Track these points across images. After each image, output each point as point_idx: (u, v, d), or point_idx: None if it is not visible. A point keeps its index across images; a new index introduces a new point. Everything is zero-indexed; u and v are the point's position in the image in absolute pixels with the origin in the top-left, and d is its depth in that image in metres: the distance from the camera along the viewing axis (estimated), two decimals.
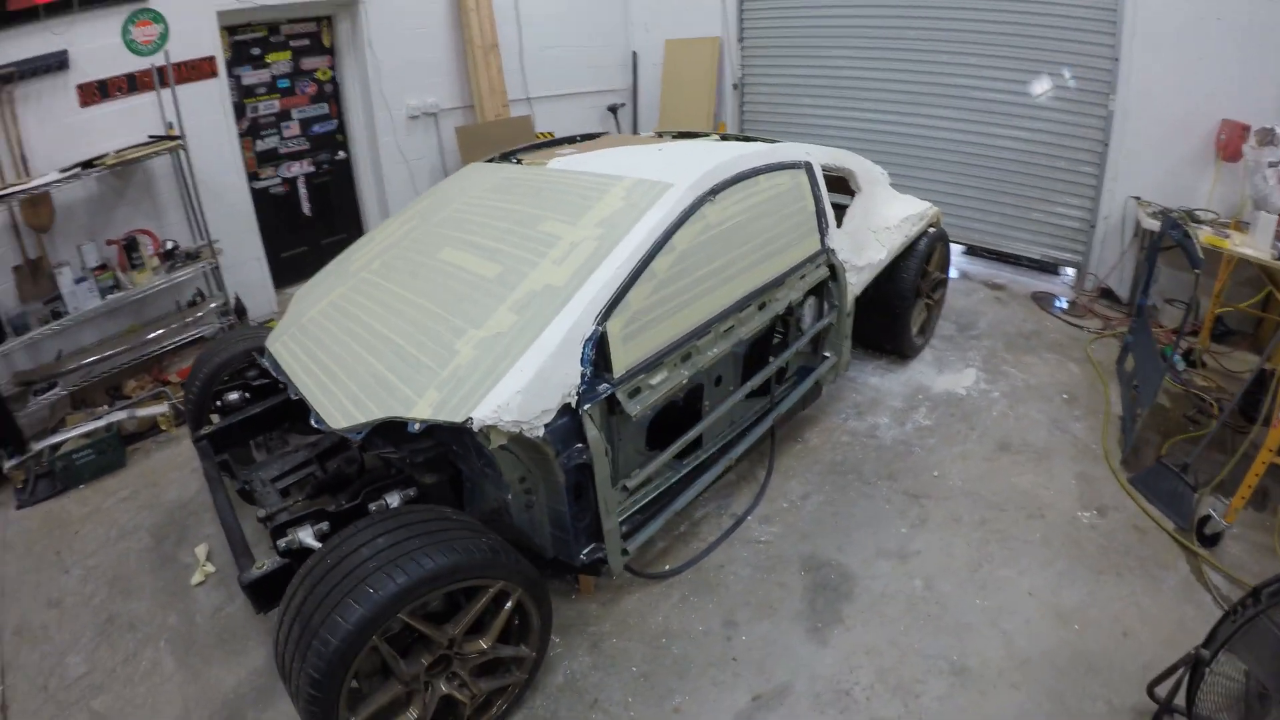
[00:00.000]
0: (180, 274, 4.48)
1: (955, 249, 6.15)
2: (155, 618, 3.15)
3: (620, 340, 2.47)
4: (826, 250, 3.48)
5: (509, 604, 2.28)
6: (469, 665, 2.28)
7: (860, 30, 6.10)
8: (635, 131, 7.50)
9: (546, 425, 2.29)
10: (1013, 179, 5.62)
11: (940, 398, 4.17)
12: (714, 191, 2.88)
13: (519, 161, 3.59)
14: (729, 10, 6.84)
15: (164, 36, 4.03)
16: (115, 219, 4.46)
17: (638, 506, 2.82)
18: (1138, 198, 4.93)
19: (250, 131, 5.25)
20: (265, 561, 2.31)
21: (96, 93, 4.24)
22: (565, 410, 2.34)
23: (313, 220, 5.80)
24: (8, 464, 3.77)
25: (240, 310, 4.94)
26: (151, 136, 4.36)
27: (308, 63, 5.41)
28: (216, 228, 4.74)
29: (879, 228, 3.94)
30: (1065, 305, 5.25)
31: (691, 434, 2.89)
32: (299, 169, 5.62)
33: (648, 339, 2.58)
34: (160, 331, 4.56)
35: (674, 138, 4.24)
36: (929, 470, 3.58)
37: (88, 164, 3.95)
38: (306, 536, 2.37)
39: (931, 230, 4.31)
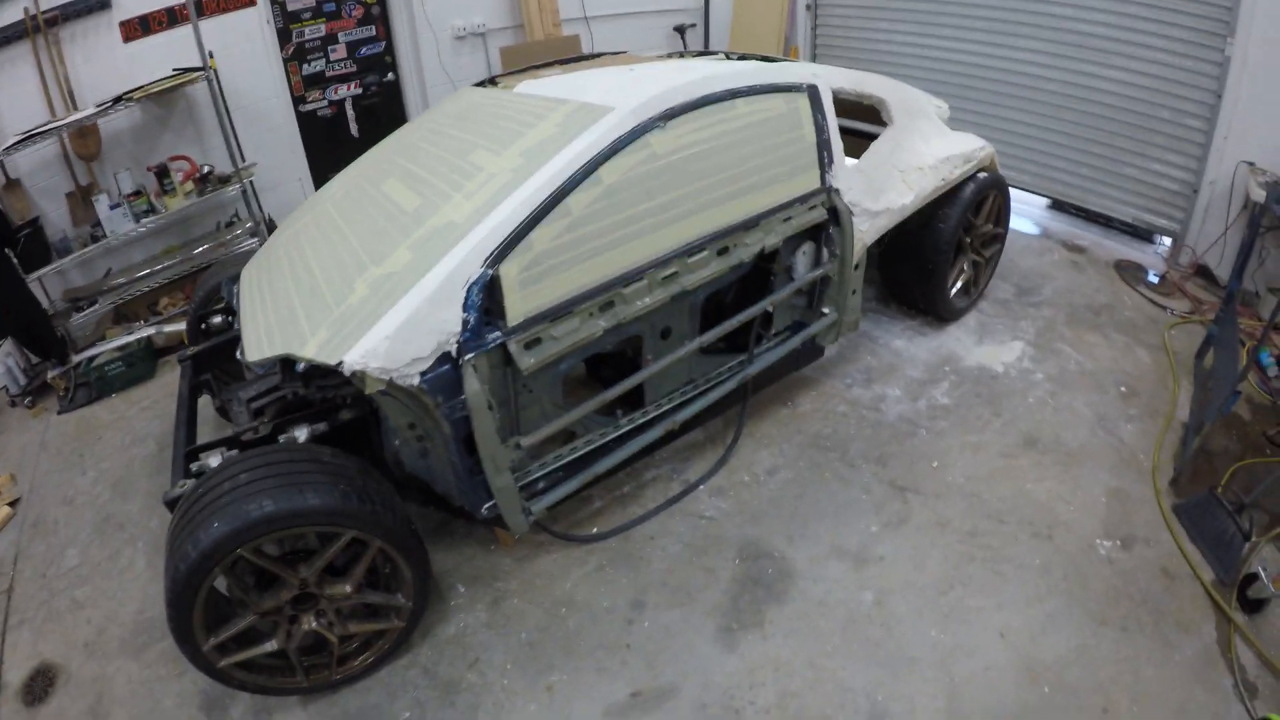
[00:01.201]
0: (211, 198, 4.71)
1: (1037, 201, 5.42)
2: (141, 520, 3.43)
3: (517, 285, 2.29)
4: (827, 189, 3.06)
5: (370, 553, 2.25)
6: (338, 607, 2.30)
7: None
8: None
9: (423, 374, 2.19)
10: (1107, 127, 4.78)
11: (970, 372, 3.65)
12: (666, 117, 2.57)
13: (496, 84, 3.41)
14: None
15: None
16: (160, 146, 4.75)
17: (560, 464, 2.67)
18: (1251, 163, 4.00)
19: (296, 56, 5.37)
20: (186, 483, 2.38)
21: (138, 28, 4.49)
22: (445, 359, 2.22)
23: (360, 141, 5.86)
24: (51, 373, 4.21)
25: (272, 228, 5.15)
26: (175, 69, 4.56)
27: None
28: (259, 151, 4.96)
29: (908, 167, 3.42)
30: (1155, 280, 4.44)
31: (614, 391, 2.66)
32: (346, 91, 5.74)
33: (555, 284, 2.37)
34: (197, 251, 4.86)
35: (693, 57, 3.89)
36: (928, 459, 3.14)
37: (119, 98, 4.18)
38: (212, 461, 2.43)
39: (982, 175, 3.71)
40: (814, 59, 6.71)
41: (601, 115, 2.51)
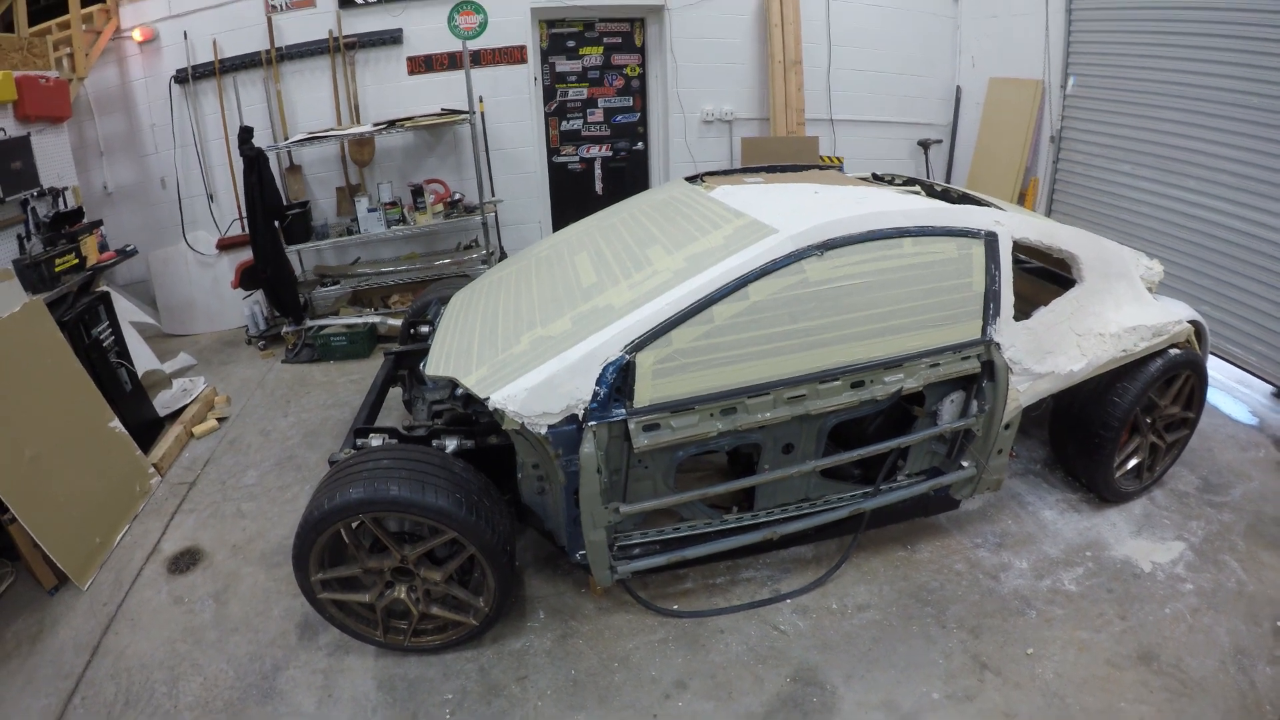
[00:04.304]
0: (456, 222, 5.64)
1: (1262, 388, 4.90)
2: (315, 469, 4.28)
3: (649, 374, 2.70)
4: (987, 342, 3.08)
5: (464, 556, 2.79)
6: (427, 589, 2.88)
7: (1204, 94, 5.06)
8: (948, 176, 7.13)
9: (551, 427, 2.66)
10: None
11: (1112, 564, 3.47)
12: (826, 247, 2.82)
13: (702, 181, 3.87)
14: (1053, 50, 6.16)
15: (483, 25, 5.11)
16: (423, 167, 5.83)
17: (660, 539, 3.03)
18: None
19: (557, 112, 6.28)
20: (348, 450, 3.04)
21: (422, 65, 5.63)
22: (572, 419, 2.68)
23: (603, 199, 6.73)
24: (286, 329, 5.29)
25: (503, 260, 6.02)
26: (444, 109, 5.55)
27: (618, 59, 6.27)
28: (509, 190, 5.93)
29: (1086, 331, 3.34)
30: None
31: (717, 489, 2.98)
32: (598, 152, 6.59)
33: (684, 381, 2.74)
34: (436, 263, 5.82)
35: (900, 184, 4.09)
36: (1025, 643, 3.06)
37: (393, 122, 5.21)
38: (374, 442, 3.08)
39: (1174, 352, 3.52)
40: (1052, 193, 6.58)
41: (764, 235, 2.85)
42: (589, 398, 2.65)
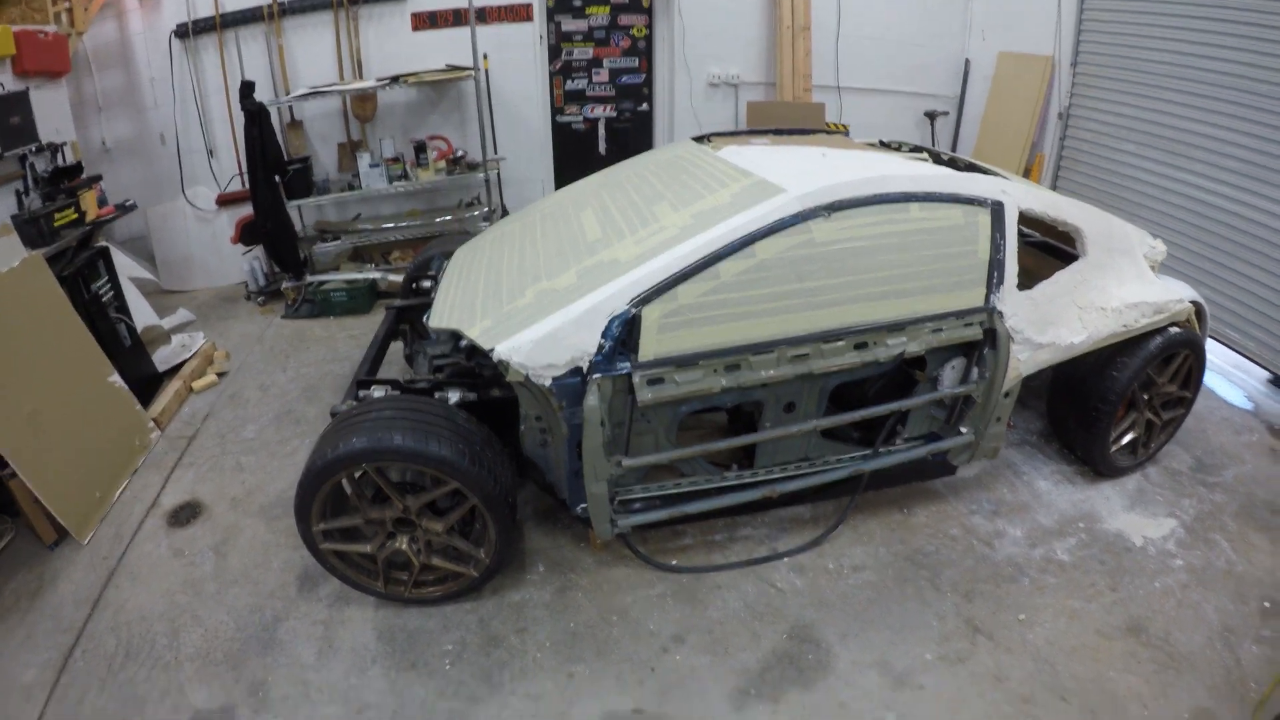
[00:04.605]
0: (458, 179, 5.60)
1: (1258, 374, 4.92)
2: (314, 423, 4.29)
3: (655, 328, 2.70)
4: (990, 310, 3.09)
5: (466, 506, 2.80)
6: (429, 539, 2.89)
7: (1213, 78, 5.03)
8: (953, 149, 7.08)
9: (555, 379, 2.67)
10: None
11: (1104, 536, 3.51)
12: (832, 208, 2.83)
13: (709, 142, 3.85)
14: (1065, 26, 6.11)
15: None
16: (426, 123, 5.78)
17: (660, 494, 3.05)
18: None
19: (562, 71, 6.22)
20: (350, 402, 3.04)
21: (426, 21, 5.58)
22: (576, 372, 2.68)
23: (606, 159, 6.65)
24: (286, 284, 5.28)
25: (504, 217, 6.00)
26: (449, 65, 5.48)
27: (625, 19, 6.20)
28: (512, 148, 5.87)
29: (1088, 305, 3.36)
30: None
31: (716, 445, 3.01)
32: (602, 112, 6.54)
33: (689, 336, 2.75)
34: (437, 220, 5.79)
35: (907, 151, 4.07)
36: (1017, 610, 3.10)
37: (396, 78, 5.15)
38: (376, 393, 3.07)
39: (1174, 330, 3.54)
40: (1058, 169, 6.57)
41: (772, 194, 2.85)
42: (594, 350, 2.65)
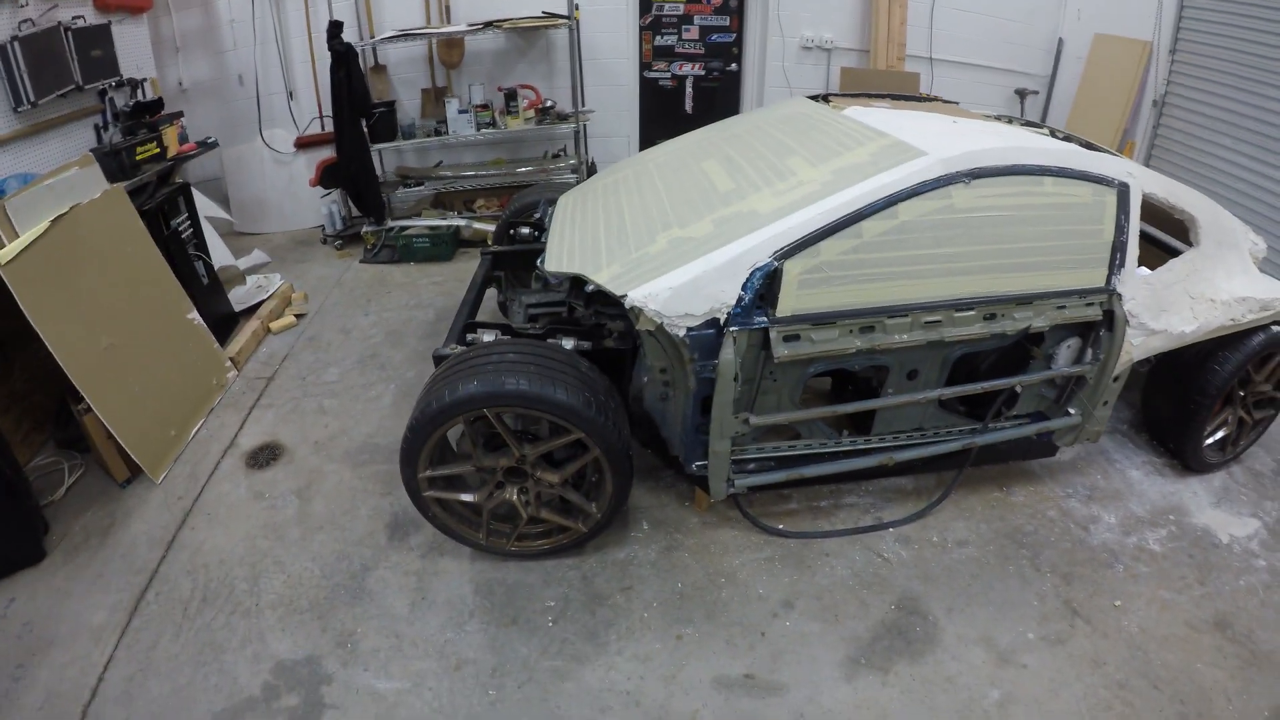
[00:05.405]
0: (546, 129, 5.50)
1: None
2: (401, 368, 4.21)
3: (795, 283, 2.60)
4: (1110, 291, 3.03)
5: (587, 458, 2.70)
6: (541, 491, 2.80)
7: None
8: None
9: (690, 329, 2.57)
10: None
11: (1192, 530, 3.44)
12: (974, 175, 2.73)
13: (828, 101, 3.72)
14: (1166, 11, 5.88)
15: None
16: (514, 72, 5.67)
17: (777, 455, 2.97)
18: None
19: (652, 26, 6.08)
20: (455, 346, 2.98)
21: None
22: (713, 323, 2.58)
23: (692, 118, 6.56)
24: (365, 228, 5.22)
25: (592, 171, 5.90)
26: (545, 12, 5.36)
27: None
28: (599, 102, 5.76)
29: (1199, 296, 3.28)
30: None
31: (847, 407, 2.92)
32: (690, 70, 6.42)
33: (828, 294, 2.65)
34: (521, 170, 5.69)
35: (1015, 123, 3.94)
36: (1113, 595, 3.05)
37: (489, 23, 5.04)
38: (486, 337, 2.98)
39: (1275, 329, 3.42)
40: (1149, 159, 6.37)
41: (913, 157, 2.74)
42: (733, 302, 2.56)
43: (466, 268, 5.10)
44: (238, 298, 4.93)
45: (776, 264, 2.56)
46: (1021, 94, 6.71)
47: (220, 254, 5.01)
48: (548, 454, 2.76)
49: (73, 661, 2.64)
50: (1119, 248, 3.01)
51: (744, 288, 2.55)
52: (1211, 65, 5.80)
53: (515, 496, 2.84)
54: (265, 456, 3.64)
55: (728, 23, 6.23)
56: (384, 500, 3.32)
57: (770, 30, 6.11)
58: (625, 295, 2.57)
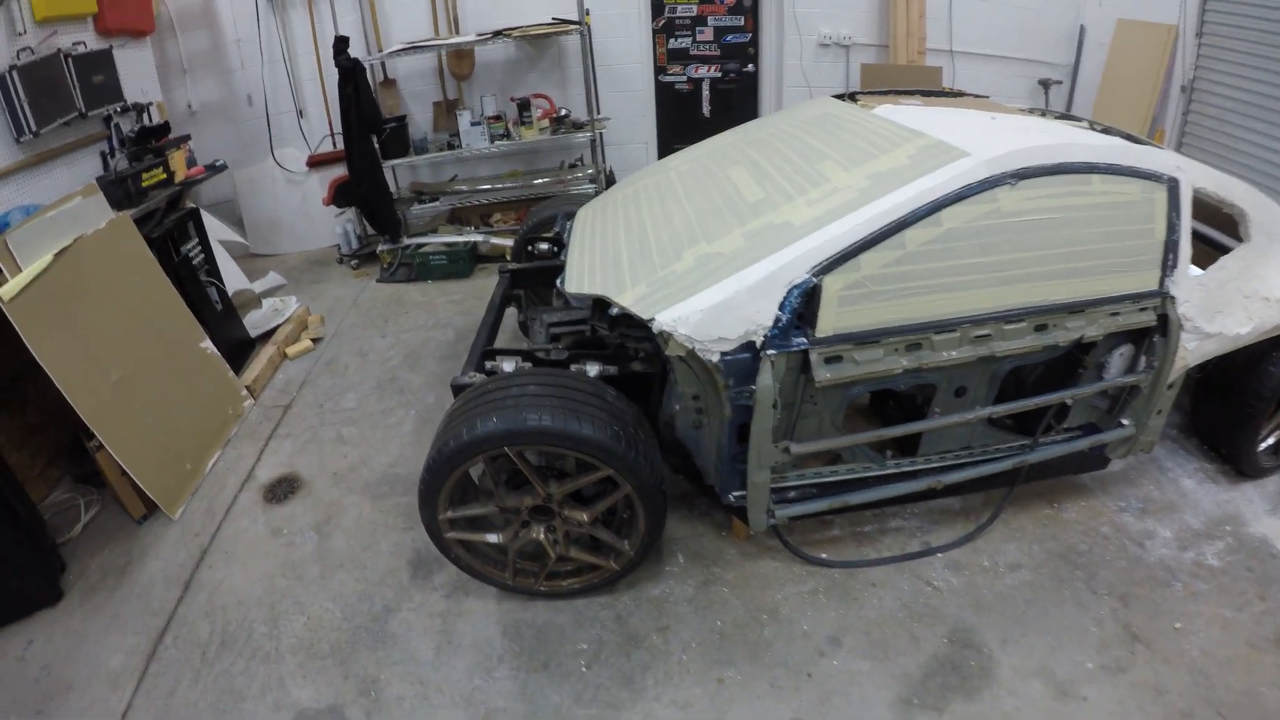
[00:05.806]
0: (562, 138, 5.35)
1: None
2: (420, 392, 4.06)
3: (836, 300, 2.41)
4: (1164, 295, 2.81)
5: (617, 495, 2.52)
6: (568, 530, 2.62)
7: None
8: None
9: (724, 354, 2.39)
10: None
11: (1251, 541, 3.21)
12: (1020, 176, 2.53)
13: (855, 100, 3.53)
14: None
15: None
16: (525, 81, 5.53)
17: (818, 482, 2.78)
18: None
19: (665, 29, 5.93)
20: (475, 375, 2.81)
21: None
22: (748, 346, 2.40)
23: (710, 121, 6.41)
24: (381, 247, 5.08)
25: (610, 181, 5.74)
26: (554, 18, 5.21)
27: None
28: (614, 109, 5.63)
29: (1254, 294, 3.04)
30: None
31: (893, 431, 2.73)
32: (706, 73, 6.28)
33: (871, 310, 2.46)
34: (537, 181, 5.55)
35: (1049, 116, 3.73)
36: (1173, 617, 2.84)
37: (499, 32, 4.89)
38: (506, 366, 2.81)
39: None
40: (1179, 147, 6.09)
41: (956, 158, 2.54)
42: (770, 323, 2.37)
43: (485, 284, 4.98)
44: (254, 322, 4.82)
45: (815, 280, 2.37)
46: (1045, 84, 6.47)
47: (234, 278, 4.90)
48: (575, 491, 2.59)
49: (91, 706, 2.55)
50: (1171, 247, 2.80)
51: (781, 307, 2.37)
52: (1241, 48, 5.49)
53: (542, 535, 2.67)
54: (283, 490, 3.51)
55: (742, 23, 6.07)
56: (405, 535, 3.18)
57: (786, 29, 5.94)
58: (653, 319, 2.40)
